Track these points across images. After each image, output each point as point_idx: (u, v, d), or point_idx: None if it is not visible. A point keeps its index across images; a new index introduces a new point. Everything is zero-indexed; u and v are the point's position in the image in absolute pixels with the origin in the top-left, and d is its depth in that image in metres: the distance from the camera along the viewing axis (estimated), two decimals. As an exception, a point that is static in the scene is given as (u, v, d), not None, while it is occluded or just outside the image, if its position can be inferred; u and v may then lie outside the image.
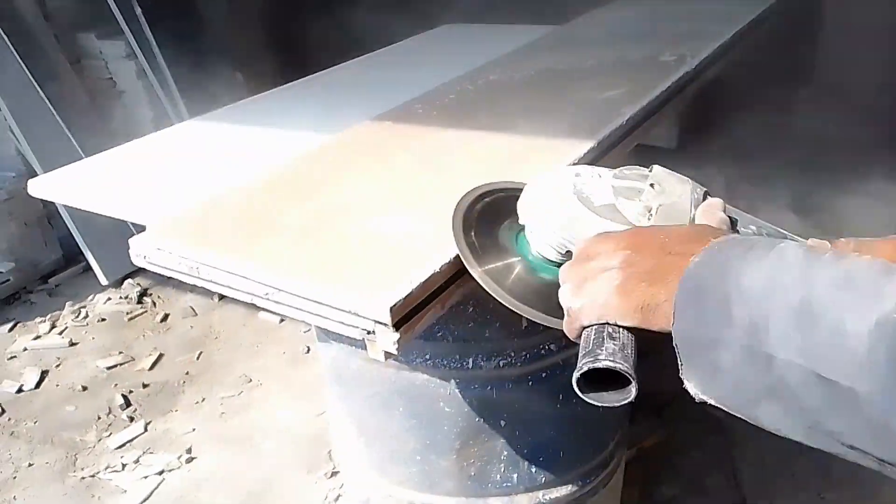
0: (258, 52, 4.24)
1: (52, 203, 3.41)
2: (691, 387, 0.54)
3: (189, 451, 2.39)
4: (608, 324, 0.59)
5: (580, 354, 0.58)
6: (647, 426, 2.14)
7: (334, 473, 2.23)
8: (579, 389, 0.58)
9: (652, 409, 2.22)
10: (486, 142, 1.10)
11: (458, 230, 0.75)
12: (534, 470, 1.45)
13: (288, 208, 0.93)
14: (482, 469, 1.43)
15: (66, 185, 1.22)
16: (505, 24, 2.13)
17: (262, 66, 4.26)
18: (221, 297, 3.23)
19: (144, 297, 3.31)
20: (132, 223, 0.97)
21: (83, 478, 2.32)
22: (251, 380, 2.72)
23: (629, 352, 0.58)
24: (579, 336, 0.61)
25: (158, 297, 3.31)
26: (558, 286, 0.64)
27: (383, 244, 0.82)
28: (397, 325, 0.71)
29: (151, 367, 2.83)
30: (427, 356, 1.36)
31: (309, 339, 2.89)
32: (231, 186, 1.01)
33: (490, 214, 0.79)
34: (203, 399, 2.64)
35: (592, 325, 0.60)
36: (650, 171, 0.76)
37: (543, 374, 1.39)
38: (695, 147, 4.47)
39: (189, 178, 1.20)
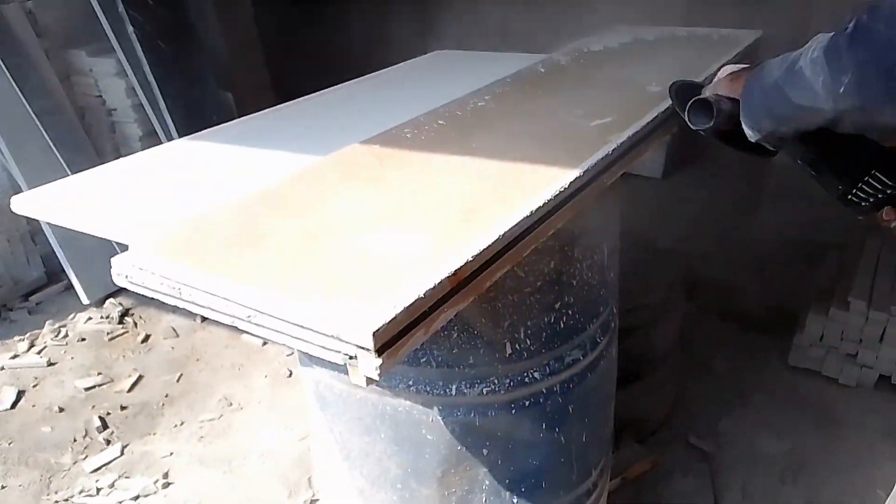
0: (250, 73, 4.26)
1: (36, 220, 3.39)
2: (746, 123, 1.03)
3: (166, 475, 2.35)
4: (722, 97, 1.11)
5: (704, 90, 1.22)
6: (631, 455, 2.13)
7: (313, 502, 2.20)
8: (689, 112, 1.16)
9: (636, 438, 2.21)
10: (475, 166, 1.10)
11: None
12: (516, 500, 1.43)
13: (273, 229, 0.92)
14: (464, 498, 1.42)
15: (50, 203, 1.21)
16: (494, 52, 2.15)
17: (254, 87, 4.28)
18: (204, 318, 3.19)
19: (126, 317, 3.27)
20: (116, 242, 0.96)
21: (57, 501, 2.27)
22: (232, 403, 2.69)
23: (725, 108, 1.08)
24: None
25: (140, 317, 3.27)
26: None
27: (369, 267, 0.81)
28: (380, 351, 0.71)
29: (131, 389, 2.79)
30: (410, 382, 1.35)
31: (292, 361, 2.86)
32: (216, 206, 1.00)
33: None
34: (182, 422, 2.60)
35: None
36: None
37: (527, 402, 1.38)
38: (680, 177, 4.52)
39: (176, 197, 1.19)
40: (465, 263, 0.81)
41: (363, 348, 0.70)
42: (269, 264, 0.83)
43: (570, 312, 1.35)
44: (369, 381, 0.73)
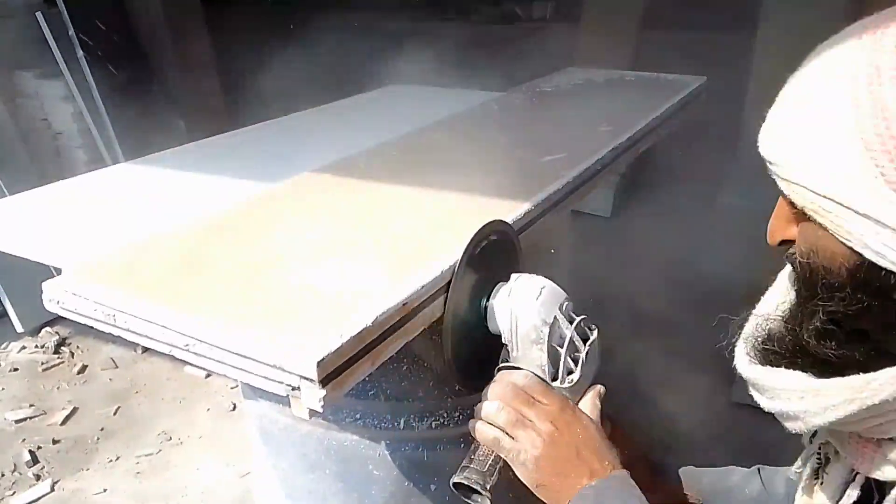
0: (203, 102, 4.21)
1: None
2: None
3: (99, 513, 2.24)
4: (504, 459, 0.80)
5: (470, 459, 0.83)
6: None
7: (255, 541, 2.12)
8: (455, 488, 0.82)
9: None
10: (427, 197, 1.10)
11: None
12: (464, 538, 1.40)
13: (217, 257, 0.90)
14: (410, 537, 1.38)
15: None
16: (450, 88, 2.17)
17: (207, 115, 4.23)
18: (145, 349, 3.08)
19: (62, 347, 3.14)
20: (54, 268, 0.92)
21: (-22, 541, 2.13)
22: (172, 437, 2.59)
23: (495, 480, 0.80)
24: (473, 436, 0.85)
25: (77, 347, 3.15)
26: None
27: (314, 296, 0.79)
28: (324, 381, 0.68)
29: (64, 422, 2.67)
30: (358, 415, 1.32)
31: (237, 395, 2.78)
32: (158, 232, 0.97)
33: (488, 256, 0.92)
34: (118, 457, 2.49)
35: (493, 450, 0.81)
36: (593, 335, 0.90)
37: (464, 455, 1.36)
38: (627, 215, 4.63)
39: (117, 222, 1.15)
40: (415, 293, 0.80)
41: (307, 379, 0.68)
42: (211, 293, 0.81)
43: (519, 347, 1.35)
44: (312, 412, 0.71)
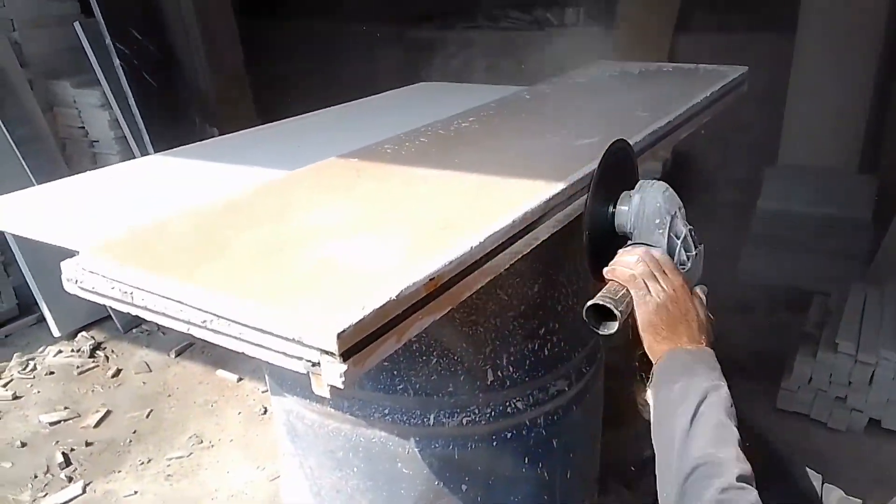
0: (237, 108, 4.25)
1: (10, 251, 3.29)
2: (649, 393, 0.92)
3: (129, 515, 2.23)
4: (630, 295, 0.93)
5: (606, 291, 0.93)
6: (616, 498, 2.04)
7: (285, 544, 2.08)
8: (586, 315, 0.93)
9: (621, 481, 2.12)
10: (455, 179, 1.05)
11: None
12: (495, 539, 1.35)
13: (237, 236, 0.87)
14: (440, 537, 1.33)
15: (12, 211, 1.14)
16: (481, 84, 2.13)
17: (239, 122, 4.26)
18: (179, 353, 3.10)
19: (97, 351, 3.16)
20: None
21: (11, 542, 2.14)
22: (203, 440, 2.57)
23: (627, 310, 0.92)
24: (602, 277, 0.97)
25: (112, 351, 3.16)
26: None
27: (337, 272, 0.76)
28: (345, 356, 0.64)
29: (97, 425, 2.67)
30: (386, 411, 1.27)
31: (267, 399, 2.76)
32: (177, 212, 0.95)
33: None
34: (149, 459, 2.48)
35: (625, 288, 0.93)
36: (700, 247, 1.03)
37: (509, 434, 1.31)
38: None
39: (145, 208, 1.13)
40: (443, 268, 0.76)
41: (327, 353, 0.64)
42: (229, 269, 0.77)
43: (554, 340, 1.29)
44: (334, 390, 0.67)
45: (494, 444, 1.30)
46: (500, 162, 1.12)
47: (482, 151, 1.20)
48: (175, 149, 1.46)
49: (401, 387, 1.25)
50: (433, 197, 0.98)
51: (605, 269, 0.97)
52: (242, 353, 0.72)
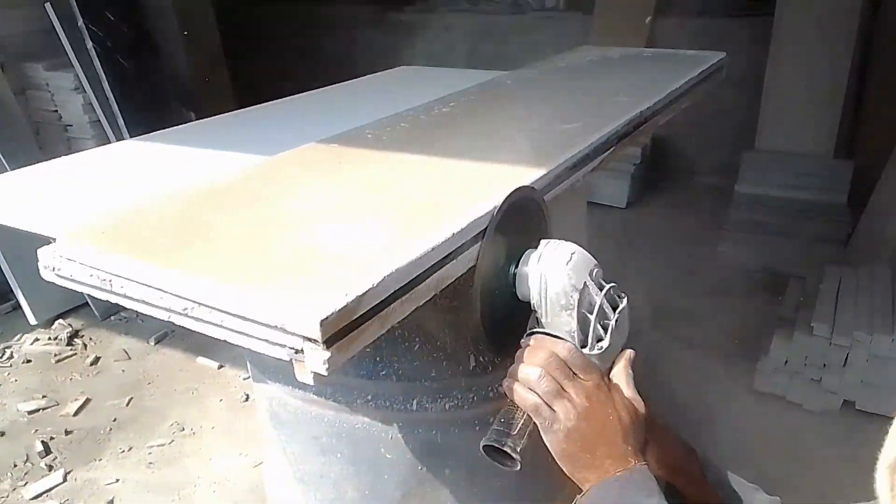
0: (214, 92, 4.19)
1: (-16, 238, 3.25)
2: None
3: (111, 503, 2.21)
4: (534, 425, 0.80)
5: (500, 423, 0.84)
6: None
7: (267, 530, 2.08)
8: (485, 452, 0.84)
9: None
10: (437, 164, 1.05)
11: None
12: (479, 522, 1.36)
13: (217, 222, 0.86)
14: (424, 521, 1.34)
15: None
16: (461, 69, 2.12)
17: (217, 106, 4.21)
18: (158, 340, 3.07)
19: (75, 339, 3.12)
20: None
21: (-10, 531, 2.12)
22: (184, 428, 2.56)
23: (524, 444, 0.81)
24: (509, 399, 0.83)
25: (90, 338, 3.13)
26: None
27: (319, 257, 0.75)
28: (329, 343, 0.64)
29: (77, 413, 2.65)
30: (369, 397, 1.27)
31: (249, 386, 2.75)
32: (158, 197, 0.93)
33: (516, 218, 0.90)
34: (131, 447, 2.47)
35: (527, 414, 0.80)
36: (622, 304, 0.87)
37: (492, 419, 1.31)
38: (643, 206, 4.57)
39: (120, 194, 1.11)
40: (425, 254, 0.75)
41: (310, 340, 0.64)
42: (210, 255, 0.77)
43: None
44: (317, 377, 0.67)
45: (477, 428, 1.30)
46: (482, 147, 1.12)
47: (463, 137, 1.20)
48: (151, 133, 1.44)
49: (384, 373, 1.24)
50: (414, 182, 0.98)
51: (503, 382, 0.84)
52: (224, 340, 0.72)
